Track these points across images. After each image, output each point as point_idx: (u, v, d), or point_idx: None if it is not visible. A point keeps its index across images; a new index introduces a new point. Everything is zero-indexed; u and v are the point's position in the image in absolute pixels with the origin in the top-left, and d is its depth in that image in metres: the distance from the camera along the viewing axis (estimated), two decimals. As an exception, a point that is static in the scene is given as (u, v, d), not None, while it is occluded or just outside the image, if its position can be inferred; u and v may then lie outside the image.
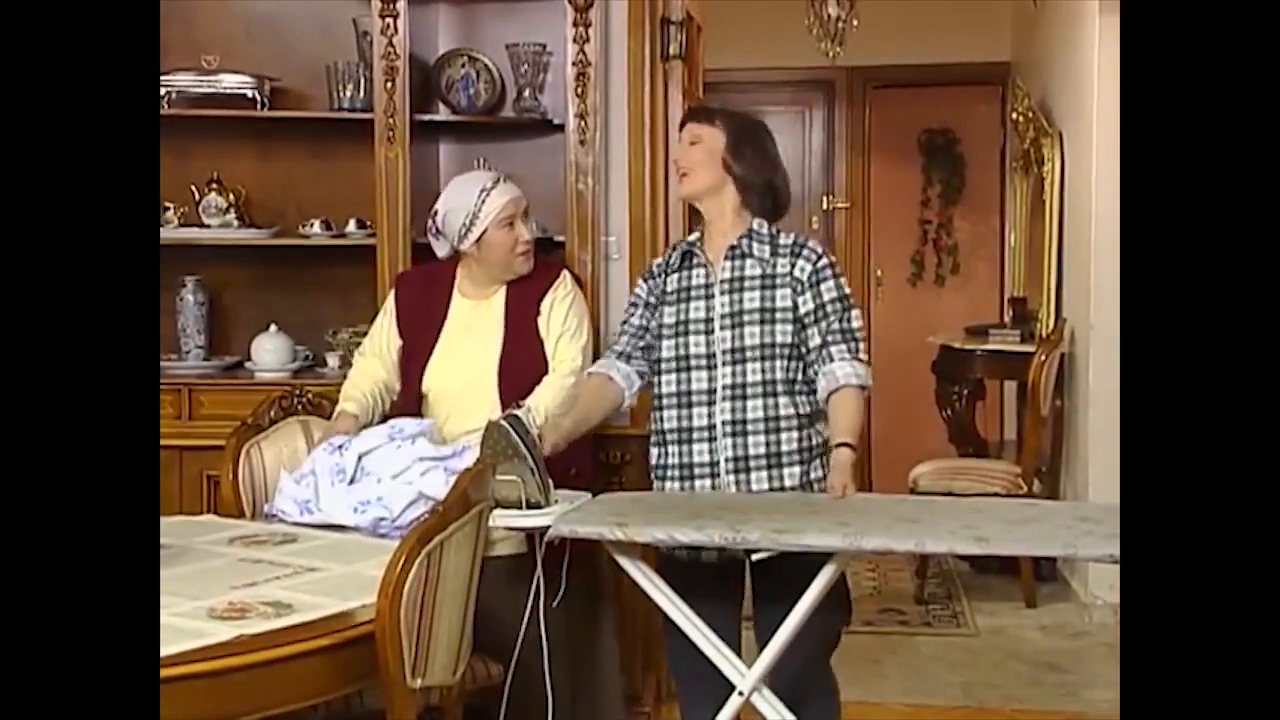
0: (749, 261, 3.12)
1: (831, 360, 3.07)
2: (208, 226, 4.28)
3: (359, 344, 4.14)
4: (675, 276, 3.19)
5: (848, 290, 3.13)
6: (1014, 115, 6.85)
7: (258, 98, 4.23)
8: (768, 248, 3.12)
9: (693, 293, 3.15)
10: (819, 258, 3.11)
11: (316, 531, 3.06)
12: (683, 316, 3.15)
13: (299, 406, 3.57)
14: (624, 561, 3.02)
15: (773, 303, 3.08)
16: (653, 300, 3.23)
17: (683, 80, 4.30)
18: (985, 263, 7.95)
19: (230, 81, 4.22)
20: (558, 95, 4.11)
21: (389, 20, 3.95)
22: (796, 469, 3.10)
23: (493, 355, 3.46)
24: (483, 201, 3.42)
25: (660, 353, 3.18)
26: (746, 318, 3.09)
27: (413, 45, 4.02)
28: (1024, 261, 6.94)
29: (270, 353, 4.22)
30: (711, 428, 3.11)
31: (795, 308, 3.08)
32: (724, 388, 3.09)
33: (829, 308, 3.09)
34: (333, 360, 4.25)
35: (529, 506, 3.04)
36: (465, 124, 4.29)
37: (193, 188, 4.30)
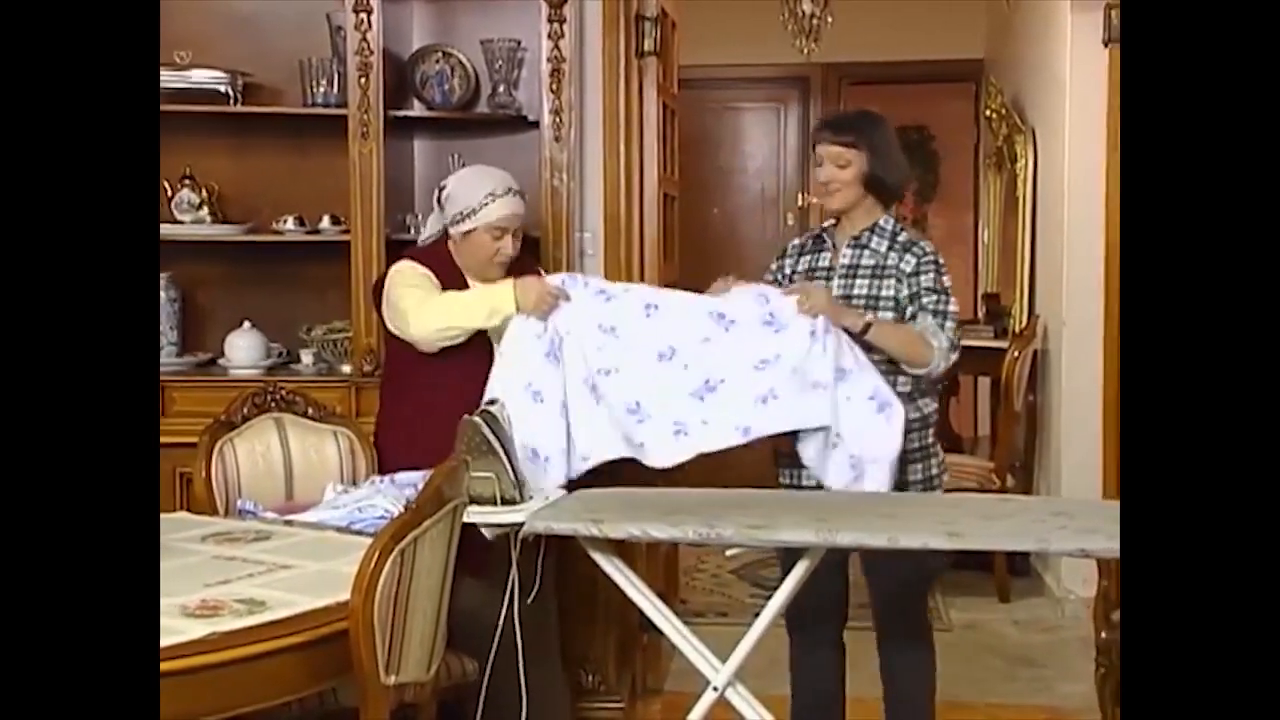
0: (866, 252, 3.34)
1: (916, 319, 3.29)
2: (181, 223, 4.26)
3: (333, 341, 4.14)
4: (806, 258, 3.43)
5: (947, 283, 3.33)
6: (987, 112, 6.88)
7: (230, 93, 4.21)
8: (886, 242, 3.34)
9: (815, 274, 3.38)
10: (924, 255, 3.32)
11: (290, 529, 3.06)
12: None
13: (272, 403, 3.56)
14: (599, 558, 3.02)
15: (879, 291, 3.31)
16: (780, 279, 3.46)
17: (658, 77, 4.30)
18: (959, 259, 7.97)
19: (202, 77, 4.19)
20: (532, 91, 4.11)
21: (363, 16, 3.94)
22: None
23: None
24: (484, 205, 3.44)
25: None
26: (854, 302, 3.31)
27: (387, 41, 4.01)
28: (997, 258, 6.97)
29: (244, 350, 4.20)
30: None
31: (898, 297, 3.30)
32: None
33: (924, 296, 3.30)
34: (306, 357, 4.24)
35: (504, 503, 3.04)
36: (440, 120, 4.28)
37: (165, 184, 4.27)
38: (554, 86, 3.97)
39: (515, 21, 4.12)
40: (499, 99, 4.20)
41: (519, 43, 4.15)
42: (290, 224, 4.24)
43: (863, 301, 3.30)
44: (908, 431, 3.26)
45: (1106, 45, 4.16)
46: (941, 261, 3.35)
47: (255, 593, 2.50)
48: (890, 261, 3.31)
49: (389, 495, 3.20)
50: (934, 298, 3.29)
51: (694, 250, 6.34)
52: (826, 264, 3.39)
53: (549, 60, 3.96)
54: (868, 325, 3.24)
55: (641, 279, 4.23)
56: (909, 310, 3.29)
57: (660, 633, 3.09)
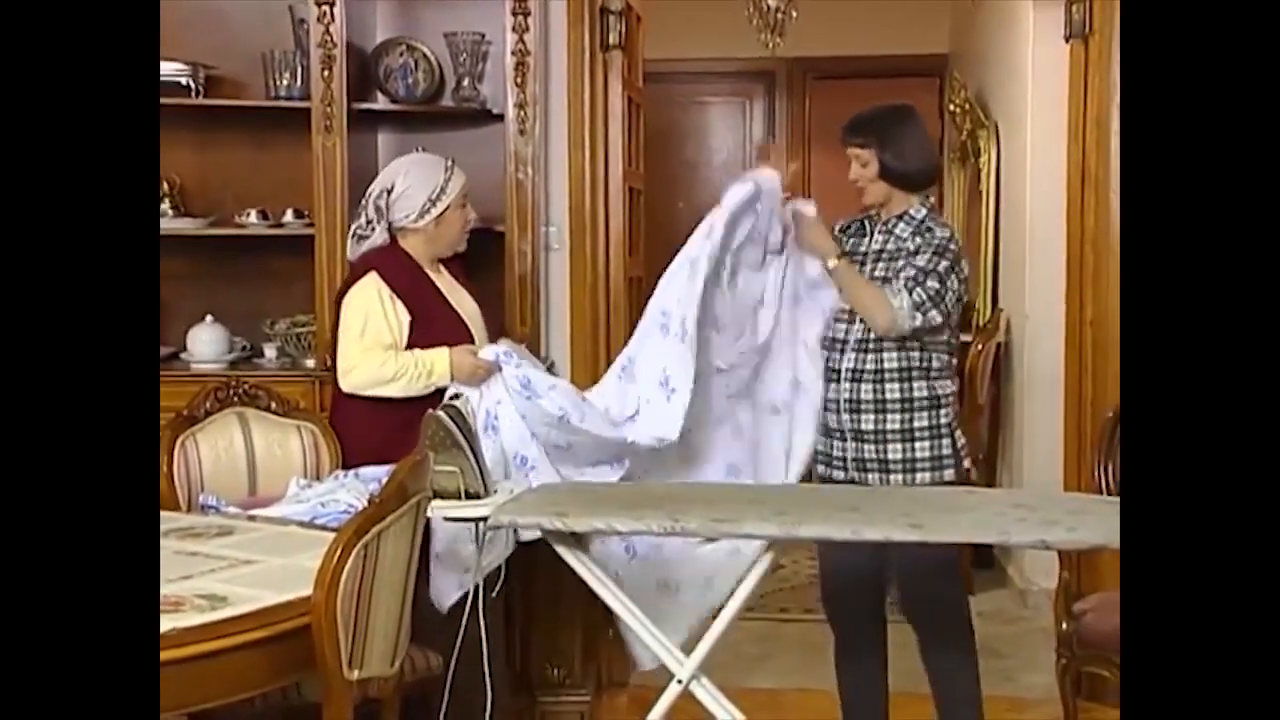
0: (891, 238, 3.48)
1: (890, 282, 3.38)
2: (142, 216, 4.22)
3: (297, 335, 4.12)
4: (851, 241, 3.56)
5: (940, 268, 3.37)
6: (951, 107, 6.91)
7: (193, 86, 4.18)
8: (910, 229, 3.46)
9: (857, 256, 3.52)
10: (931, 240, 3.42)
11: (253, 524, 3.05)
12: None
13: (235, 398, 3.54)
14: (562, 551, 3.02)
15: (888, 274, 3.42)
16: None
17: (622, 70, 4.29)
18: (924, 252, 8.00)
19: (165, 69, 4.14)
20: (497, 85, 4.10)
21: (325, 8, 3.92)
22: (898, 415, 3.39)
23: (479, 315, 3.69)
24: (448, 180, 3.57)
25: None
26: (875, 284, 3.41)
27: (350, 34, 3.99)
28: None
29: (206, 344, 4.18)
30: (838, 372, 3.45)
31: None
32: (854, 340, 3.44)
33: (905, 270, 3.38)
34: (270, 351, 4.21)
35: (468, 497, 3.04)
36: (404, 113, 4.27)
37: (127, 177, 4.23)
38: (518, 80, 3.96)
39: (479, 14, 4.11)
40: (463, 92, 4.19)
41: (483, 36, 4.14)
42: (253, 217, 4.21)
43: (877, 284, 3.41)
44: (915, 409, 3.37)
45: (1068, 40, 4.18)
46: (953, 249, 3.41)
47: (217, 588, 2.48)
48: (907, 246, 3.43)
49: (353, 490, 3.19)
50: (912, 272, 3.36)
51: (660, 244, 6.33)
52: (863, 248, 3.52)
53: (513, 53, 3.96)
54: (833, 269, 3.39)
55: (607, 273, 4.23)
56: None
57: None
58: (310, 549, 2.64)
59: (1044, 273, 5.20)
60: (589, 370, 4.14)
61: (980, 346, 5.58)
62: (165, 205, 4.24)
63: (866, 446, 3.40)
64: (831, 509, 2.94)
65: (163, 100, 4.14)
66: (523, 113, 3.97)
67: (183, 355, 4.23)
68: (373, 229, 3.57)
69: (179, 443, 3.39)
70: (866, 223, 3.57)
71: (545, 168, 4.09)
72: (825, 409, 3.48)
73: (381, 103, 4.25)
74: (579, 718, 4.04)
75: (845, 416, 3.43)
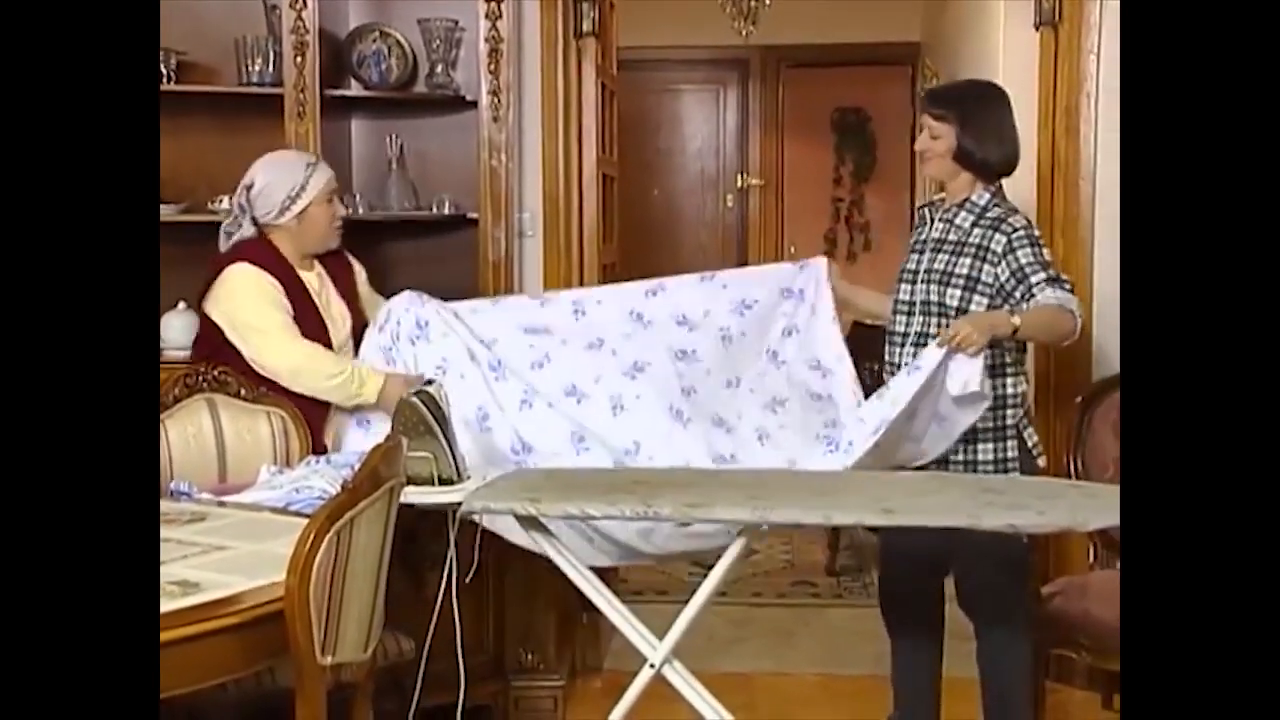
0: (952, 227, 3.36)
1: (1036, 297, 3.23)
2: (114, 202, 4.20)
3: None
4: (919, 230, 3.48)
5: (1047, 256, 3.29)
6: (923, 95, 6.93)
7: (164, 72, 4.16)
8: (972, 218, 3.34)
9: (918, 245, 3.44)
10: (1014, 231, 3.28)
11: (226, 510, 3.04)
12: (907, 265, 3.45)
13: (204, 384, 3.53)
14: (537, 536, 3.03)
15: (953, 268, 3.31)
16: (918, 250, 3.49)
17: (596, 57, 4.30)
18: (896, 239, 8.04)
19: (136, 55, 4.13)
20: (470, 71, 4.10)
21: (299, -6, 3.91)
22: None
23: (347, 317, 3.66)
24: (308, 177, 3.54)
25: None
26: (933, 276, 3.34)
27: (323, 20, 3.98)
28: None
29: (178, 330, 4.16)
30: (897, 366, 3.37)
31: (977, 277, 3.29)
32: (913, 334, 3.36)
33: (1028, 269, 3.25)
34: (243, 338, 4.20)
35: (441, 483, 3.04)
36: (377, 100, 4.26)
37: (98, 163, 4.21)
38: (492, 67, 3.96)
39: (453, 1, 4.11)
40: (437, 79, 4.18)
41: (456, 22, 4.14)
42: (226, 204, 4.19)
43: (938, 276, 3.32)
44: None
45: (1038, 29, 4.21)
46: (1037, 234, 3.31)
47: (189, 574, 2.48)
48: (974, 239, 3.30)
49: (326, 475, 3.19)
50: (1042, 273, 3.22)
51: (634, 231, 6.36)
52: (925, 236, 3.43)
53: (487, 40, 3.95)
54: (1015, 329, 3.16)
55: (581, 260, 4.24)
56: (1018, 291, 3.23)
57: (600, 611, 3.11)
58: (283, 535, 2.64)
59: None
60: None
61: (952, 333, 5.61)
62: (137, 191, 4.23)
63: None
64: (802, 493, 2.95)
65: (134, 86, 4.15)
66: (496, 99, 3.97)
67: (155, 342, 4.22)
68: (239, 225, 3.57)
69: (150, 429, 3.38)
70: (928, 210, 3.48)
71: (519, 154, 4.09)
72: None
73: (355, 89, 4.24)
74: (553, 703, 4.05)
75: None
